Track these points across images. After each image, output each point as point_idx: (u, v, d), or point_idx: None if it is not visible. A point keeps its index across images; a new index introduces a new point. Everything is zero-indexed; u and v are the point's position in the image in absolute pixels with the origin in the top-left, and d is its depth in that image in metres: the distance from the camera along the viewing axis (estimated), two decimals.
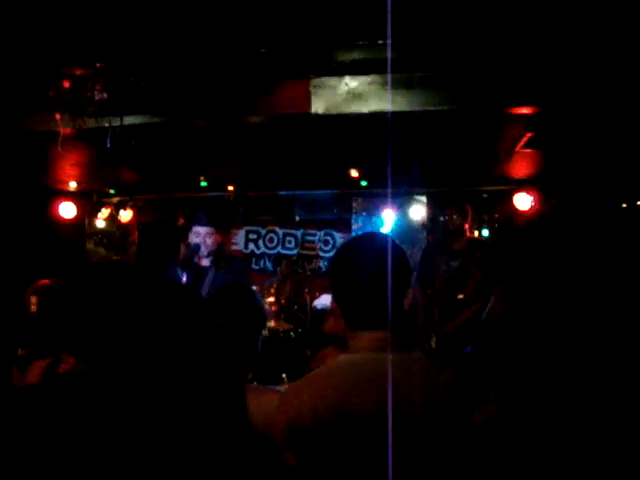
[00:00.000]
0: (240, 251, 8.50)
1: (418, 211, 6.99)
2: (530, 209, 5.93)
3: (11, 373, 2.98)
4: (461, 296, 4.22)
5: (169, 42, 3.12)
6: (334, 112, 3.53)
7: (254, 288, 4.80)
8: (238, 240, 8.64)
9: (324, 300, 6.58)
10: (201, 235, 4.30)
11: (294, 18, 2.91)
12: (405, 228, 6.92)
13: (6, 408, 1.46)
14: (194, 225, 4.34)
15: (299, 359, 5.81)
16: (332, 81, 3.50)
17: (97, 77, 3.27)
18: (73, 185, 6.38)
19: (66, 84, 3.28)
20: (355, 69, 3.42)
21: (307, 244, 8.33)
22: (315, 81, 3.52)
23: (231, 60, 3.29)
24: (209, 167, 5.79)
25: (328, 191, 7.05)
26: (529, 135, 4.15)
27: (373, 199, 7.18)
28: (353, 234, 7.42)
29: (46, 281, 4.88)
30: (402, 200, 6.93)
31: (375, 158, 4.02)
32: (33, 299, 4.73)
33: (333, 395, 1.37)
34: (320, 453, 1.35)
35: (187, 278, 4.01)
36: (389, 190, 6.62)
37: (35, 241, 6.10)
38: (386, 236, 1.56)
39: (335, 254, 1.57)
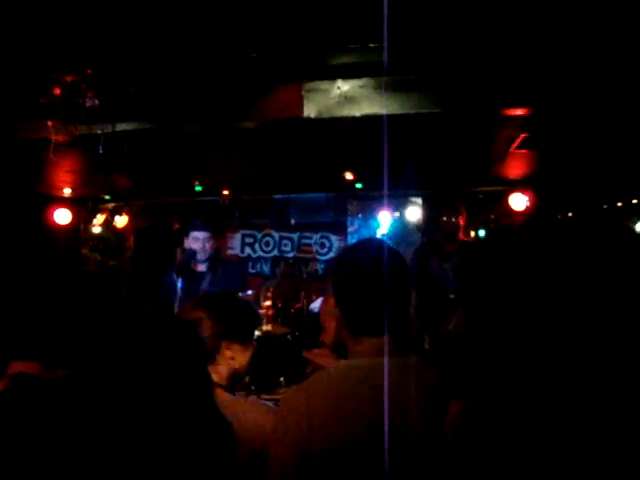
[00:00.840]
0: (236, 255, 8.49)
1: (414, 213, 6.98)
2: (525, 209, 5.93)
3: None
4: (452, 296, 4.23)
5: (160, 48, 3.12)
6: (327, 116, 3.52)
7: (249, 292, 4.79)
8: (234, 244, 8.62)
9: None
10: (200, 240, 4.32)
11: (285, 22, 2.90)
12: (401, 230, 6.91)
13: None
14: (192, 231, 4.35)
15: (296, 362, 5.80)
16: (324, 85, 3.50)
17: (88, 84, 3.26)
18: (68, 191, 6.36)
19: (57, 91, 3.27)
20: (347, 73, 3.41)
21: (304, 247, 8.32)
22: (307, 85, 3.51)
23: (223, 65, 3.28)
24: (204, 172, 5.78)
25: (323, 194, 7.03)
26: (523, 136, 4.15)
27: (368, 201, 7.17)
28: (349, 236, 7.43)
29: None
30: (397, 202, 6.92)
31: (369, 160, 3.99)
32: None
33: (332, 399, 1.37)
34: (319, 459, 1.34)
35: (183, 284, 4.01)
36: (384, 192, 6.61)
37: (30, 248, 6.08)
38: (384, 242, 1.57)
39: (336, 260, 1.56)
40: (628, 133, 4.11)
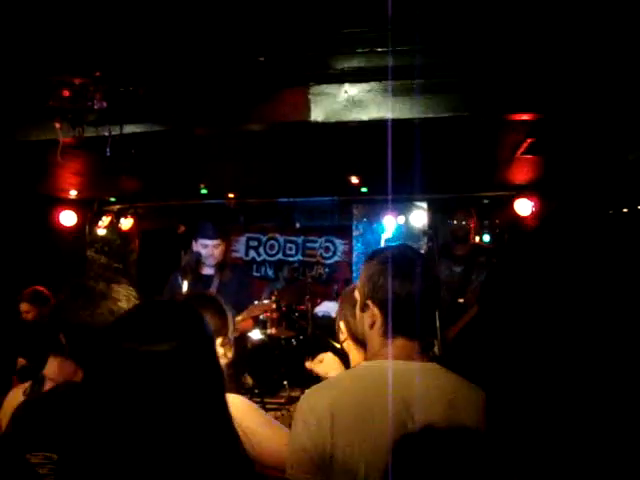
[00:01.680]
0: (241, 258, 8.50)
1: (419, 217, 6.97)
2: (531, 214, 5.93)
3: (11, 383, 2.97)
4: (461, 300, 4.23)
5: (168, 51, 3.13)
6: (333, 120, 3.52)
7: (265, 302, 4.84)
8: (239, 247, 8.64)
9: (325, 307, 6.57)
10: (209, 247, 4.35)
11: (293, 26, 2.91)
12: (406, 234, 6.91)
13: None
14: (201, 237, 4.37)
15: (300, 366, 5.79)
16: (331, 89, 3.50)
17: (96, 86, 3.27)
18: (74, 193, 6.38)
19: (65, 93, 3.28)
20: (355, 76, 3.42)
21: (308, 251, 8.32)
22: (314, 89, 3.51)
23: (230, 69, 3.29)
24: (209, 175, 5.80)
25: (328, 198, 7.03)
26: (530, 141, 4.14)
27: (374, 205, 7.17)
28: (354, 240, 7.43)
29: (38, 287, 4.88)
30: (403, 206, 6.92)
31: (375, 165, 4.01)
32: (24, 306, 4.73)
33: (358, 399, 1.41)
34: (339, 456, 1.37)
35: (188, 286, 4.02)
36: (390, 196, 6.61)
37: (36, 250, 6.11)
38: (416, 250, 1.67)
39: (371, 263, 1.61)
40: (634, 138, 4.11)
